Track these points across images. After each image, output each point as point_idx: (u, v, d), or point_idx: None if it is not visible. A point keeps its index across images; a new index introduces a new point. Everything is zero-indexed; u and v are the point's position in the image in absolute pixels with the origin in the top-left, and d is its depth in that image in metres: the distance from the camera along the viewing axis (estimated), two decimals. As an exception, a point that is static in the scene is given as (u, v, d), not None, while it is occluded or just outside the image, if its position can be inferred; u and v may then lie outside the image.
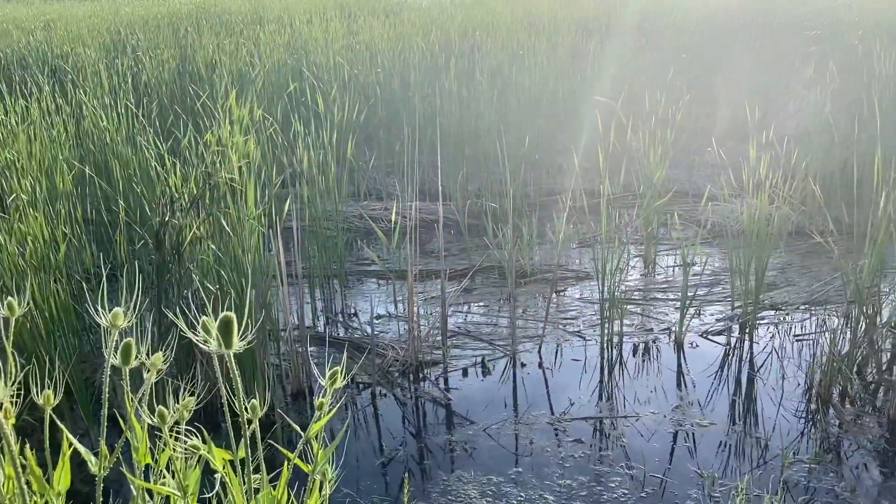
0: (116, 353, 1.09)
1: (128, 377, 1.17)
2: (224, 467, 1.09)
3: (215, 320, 0.98)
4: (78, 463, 1.33)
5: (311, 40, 8.95)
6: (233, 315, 0.95)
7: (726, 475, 3.09)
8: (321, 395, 1.08)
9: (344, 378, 1.18)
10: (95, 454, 1.25)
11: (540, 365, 4.09)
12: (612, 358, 4.11)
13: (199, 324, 1.01)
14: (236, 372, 0.98)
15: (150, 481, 1.26)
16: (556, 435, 3.44)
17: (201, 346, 0.97)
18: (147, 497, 1.25)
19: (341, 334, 4.55)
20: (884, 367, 3.75)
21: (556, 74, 7.51)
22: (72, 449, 1.27)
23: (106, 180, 4.70)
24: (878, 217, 3.80)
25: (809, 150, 5.51)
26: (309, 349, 4.00)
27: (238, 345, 0.96)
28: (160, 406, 1.09)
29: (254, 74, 7.03)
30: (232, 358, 0.96)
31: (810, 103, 6.69)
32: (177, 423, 1.10)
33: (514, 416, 3.60)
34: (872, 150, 4.28)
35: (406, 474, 3.19)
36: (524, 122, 6.73)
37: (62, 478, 1.28)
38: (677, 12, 9.99)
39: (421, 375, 4.01)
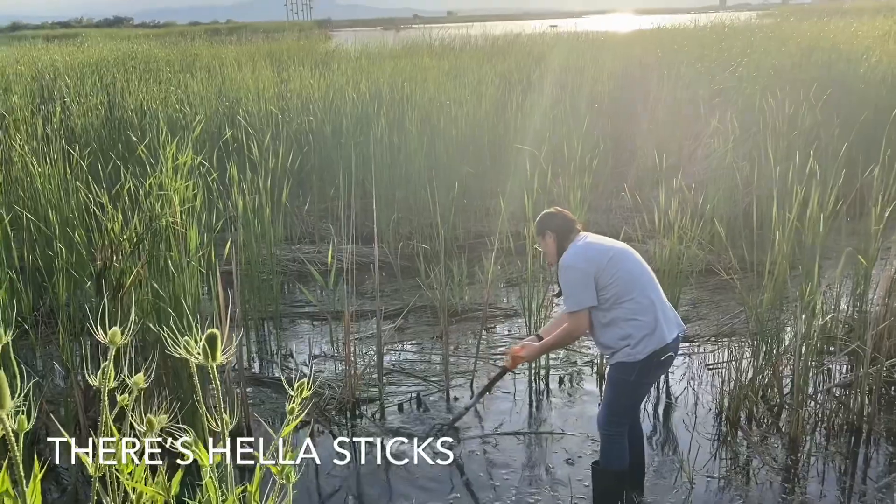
0: (103, 372, 1.22)
1: (106, 397, 1.30)
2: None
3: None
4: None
5: (242, 88, 9.08)
6: (217, 331, 1.10)
7: (647, 493, 3.32)
8: (290, 401, 1.24)
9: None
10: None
11: (472, 398, 4.26)
12: (539, 389, 4.33)
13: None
14: (219, 384, 1.14)
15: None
16: (486, 453, 3.64)
17: (188, 358, 1.12)
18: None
19: (276, 374, 4.63)
20: (785, 392, 4.09)
21: (481, 124, 7.87)
22: (44, 470, 1.37)
23: (35, 227, 4.68)
24: (775, 254, 4.20)
25: (716, 193, 5.96)
26: (246, 390, 4.06)
27: (221, 358, 1.12)
28: (148, 416, 1.23)
29: (189, 122, 7.10)
30: (215, 370, 1.11)
31: (716, 150, 7.22)
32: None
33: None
34: (770, 194, 4.72)
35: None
36: (452, 168, 7.03)
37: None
38: (591, 67, 10.58)
39: (358, 412, 4.12)
